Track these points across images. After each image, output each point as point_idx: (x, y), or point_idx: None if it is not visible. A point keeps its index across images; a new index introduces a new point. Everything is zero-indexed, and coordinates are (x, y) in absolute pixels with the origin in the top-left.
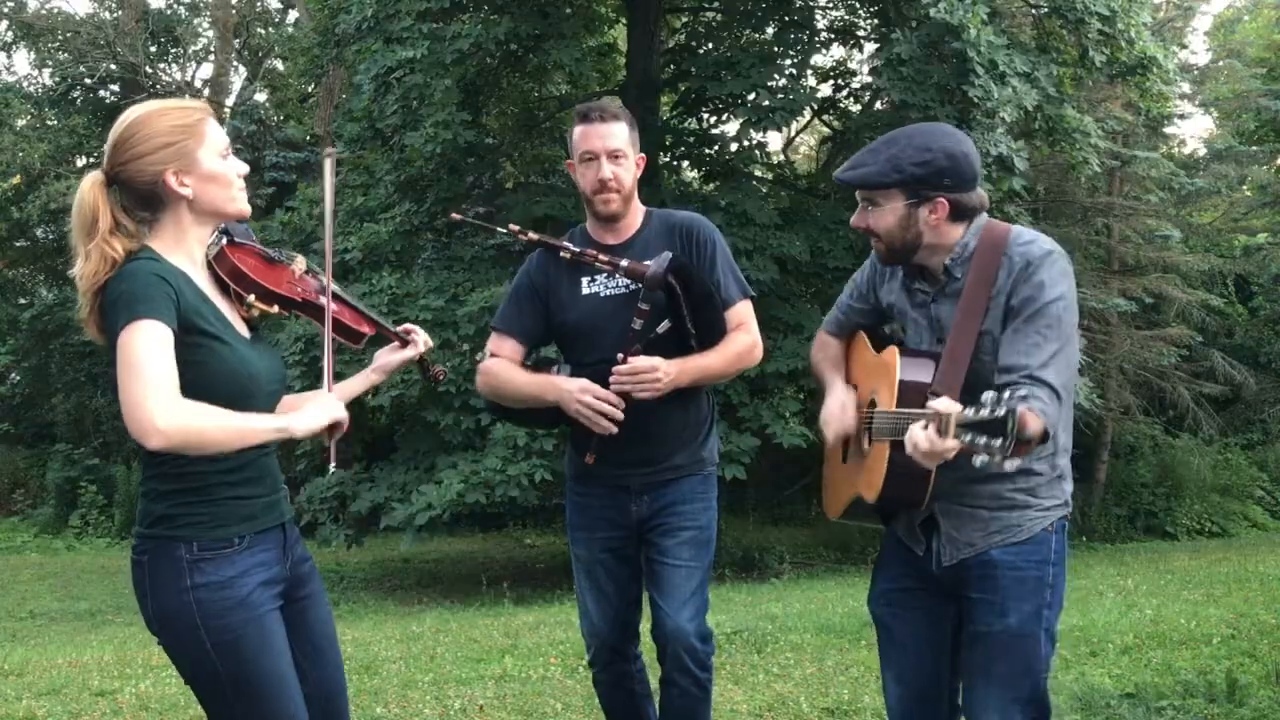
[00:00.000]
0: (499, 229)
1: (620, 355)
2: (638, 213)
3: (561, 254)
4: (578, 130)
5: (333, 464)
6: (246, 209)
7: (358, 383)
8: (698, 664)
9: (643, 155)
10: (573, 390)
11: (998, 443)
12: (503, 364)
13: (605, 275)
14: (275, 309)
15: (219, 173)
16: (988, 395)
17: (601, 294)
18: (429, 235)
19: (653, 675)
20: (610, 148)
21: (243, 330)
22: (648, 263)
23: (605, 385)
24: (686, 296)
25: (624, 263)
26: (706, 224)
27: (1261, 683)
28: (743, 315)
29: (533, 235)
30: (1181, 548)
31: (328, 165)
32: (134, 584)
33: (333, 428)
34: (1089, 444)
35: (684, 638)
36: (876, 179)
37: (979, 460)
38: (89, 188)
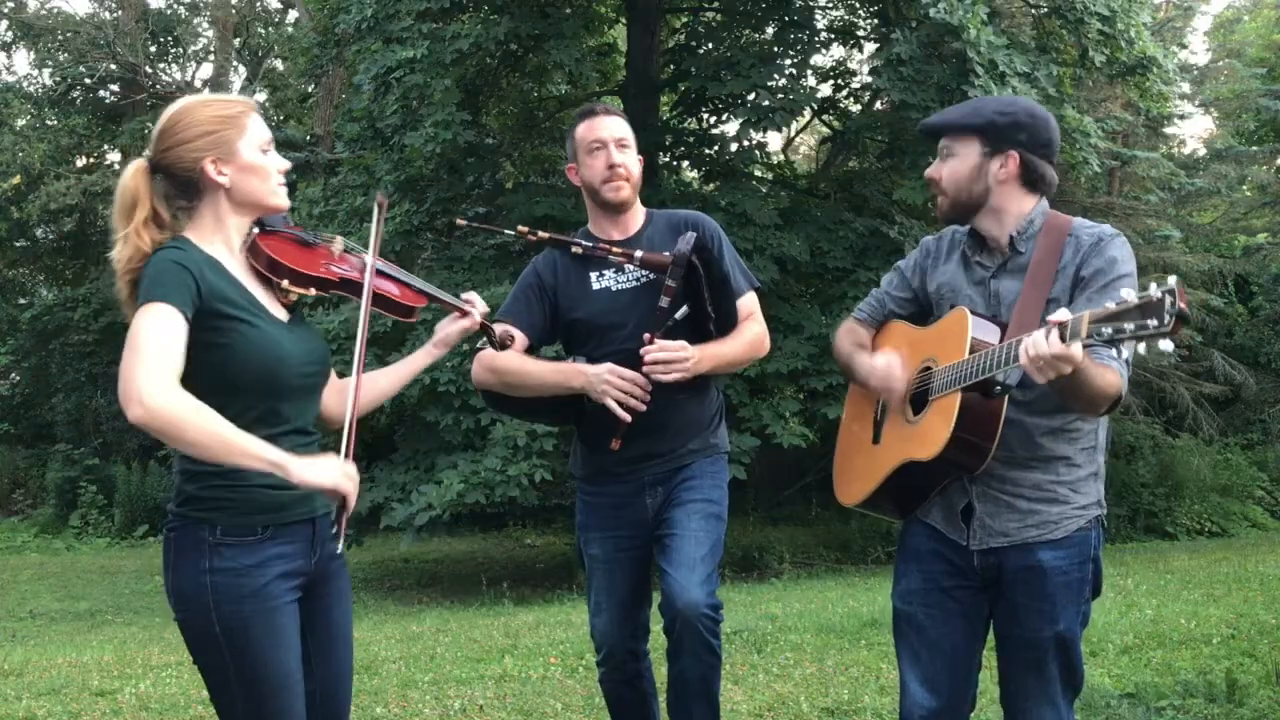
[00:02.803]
0: (506, 230)
1: (647, 336)
2: (639, 211)
3: (573, 249)
4: (582, 126)
5: (340, 545)
6: (285, 202)
7: (420, 358)
8: (709, 631)
9: (641, 156)
10: (600, 373)
11: (1152, 323)
12: (512, 355)
13: (614, 270)
14: (311, 291)
15: (258, 164)
16: (1126, 291)
17: (613, 289)
18: (429, 235)
19: (658, 671)
20: (618, 135)
21: (279, 314)
22: (666, 253)
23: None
24: (708, 279)
25: (638, 253)
26: (709, 220)
27: (1261, 683)
28: (751, 306)
29: (541, 234)
30: (1181, 548)
31: (376, 212)
32: (162, 559)
33: (340, 501)
34: None
35: (695, 606)
36: (958, 120)
37: (1125, 352)
38: (132, 173)
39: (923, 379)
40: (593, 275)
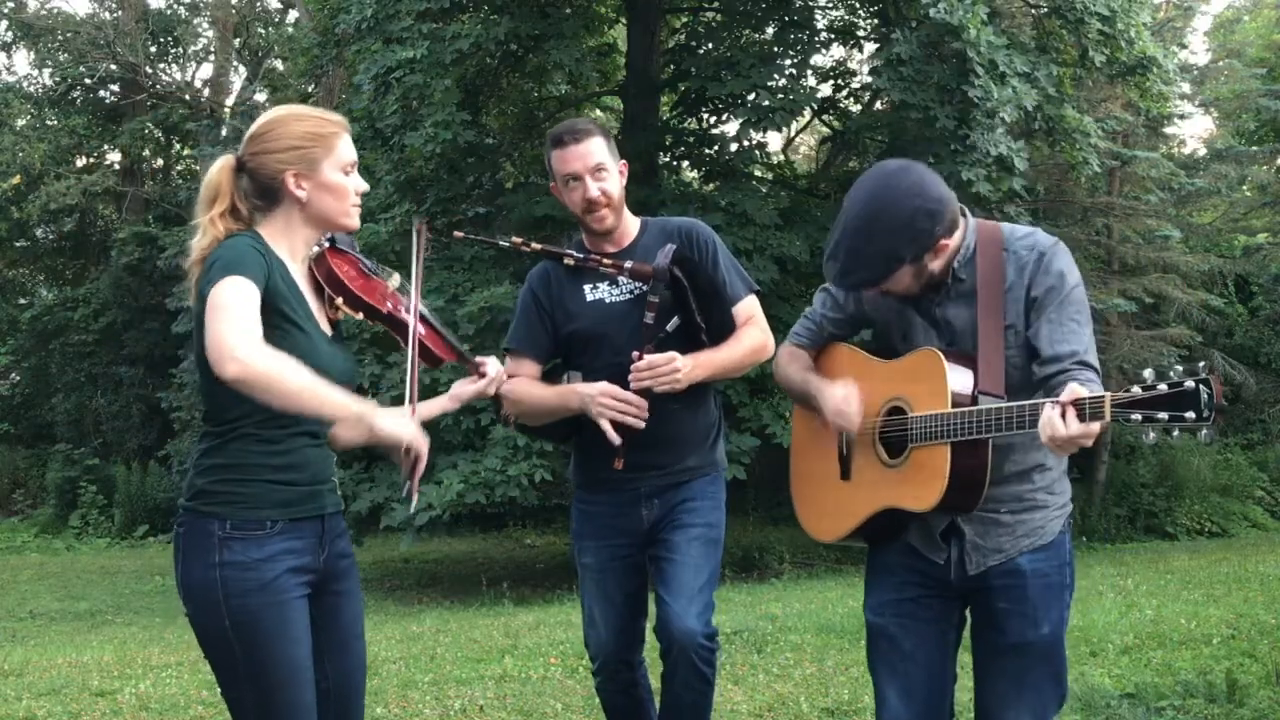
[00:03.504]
0: (502, 242)
1: (635, 353)
2: (632, 221)
3: (566, 261)
4: (554, 155)
5: (414, 497)
6: (356, 224)
7: (432, 407)
8: (704, 661)
9: (624, 162)
10: (593, 394)
11: (1190, 415)
12: (522, 382)
13: (608, 281)
14: (360, 315)
15: (337, 184)
16: (1149, 372)
17: (607, 300)
18: (429, 235)
19: (653, 672)
20: (591, 165)
21: (325, 327)
22: (651, 265)
23: (621, 387)
24: (693, 288)
25: (628, 264)
26: (703, 226)
27: (1261, 683)
28: (751, 309)
29: (535, 245)
30: (1181, 548)
31: (415, 239)
32: (173, 553)
33: (414, 458)
34: None
35: (692, 637)
36: (883, 276)
37: (1152, 436)
38: (219, 168)
39: (894, 421)
40: (586, 287)
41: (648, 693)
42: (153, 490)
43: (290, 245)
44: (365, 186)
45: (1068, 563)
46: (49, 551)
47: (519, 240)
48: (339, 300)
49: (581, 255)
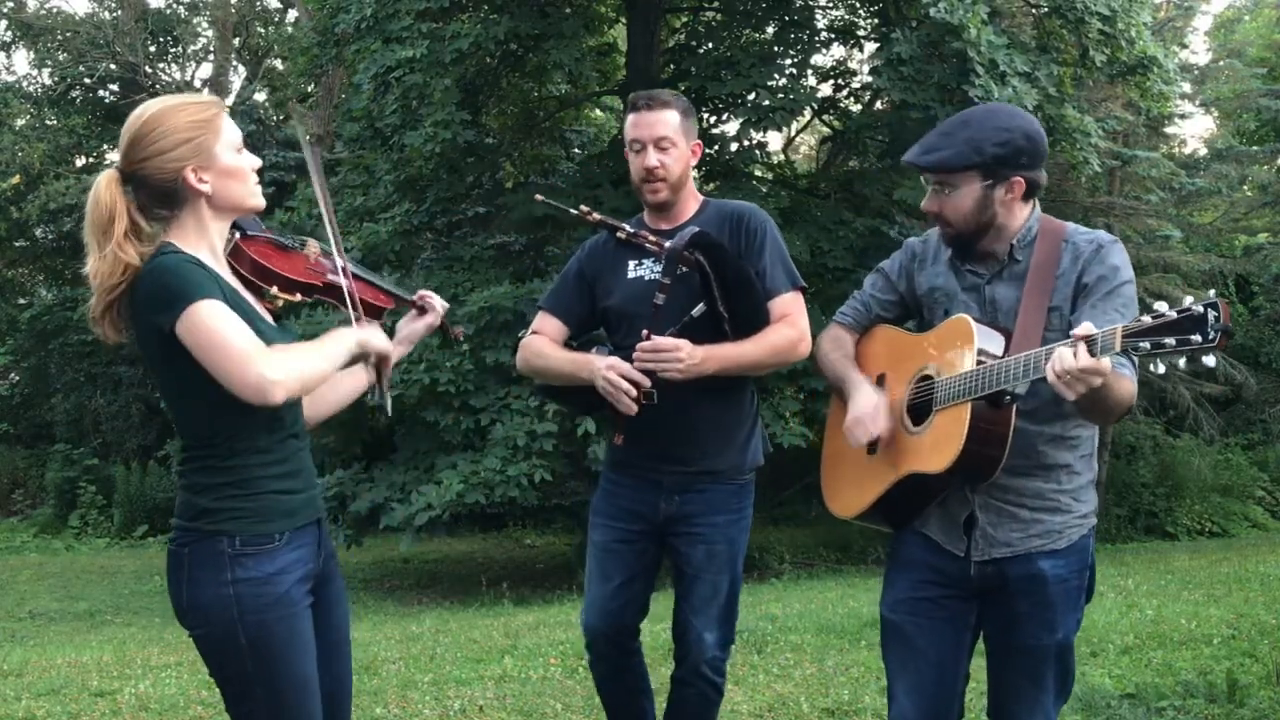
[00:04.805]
0: (570, 209)
1: (644, 332)
2: (692, 200)
3: (619, 234)
4: (628, 120)
5: (388, 398)
6: (262, 203)
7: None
8: (717, 672)
9: (698, 143)
10: (600, 367)
11: (1196, 338)
12: (541, 340)
13: (653, 259)
14: (298, 297)
15: (237, 167)
16: (1161, 304)
17: (646, 278)
18: (429, 235)
19: (662, 672)
20: (657, 135)
21: (268, 319)
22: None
23: None
24: (717, 276)
25: (669, 244)
26: (759, 212)
27: (1262, 683)
28: (789, 307)
29: (596, 216)
30: (1182, 548)
31: (303, 138)
32: (169, 574)
33: (382, 359)
34: None
35: (707, 650)
36: (957, 162)
37: (1162, 369)
38: (106, 185)
39: (922, 388)
40: (631, 263)
41: (642, 684)
42: (152, 490)
43: (209, 244)
44: (258, 163)
45: (1089, 565)
46: (48, 552)
47: (585, 210)
48: (273, 289)
49: (633, 230)
